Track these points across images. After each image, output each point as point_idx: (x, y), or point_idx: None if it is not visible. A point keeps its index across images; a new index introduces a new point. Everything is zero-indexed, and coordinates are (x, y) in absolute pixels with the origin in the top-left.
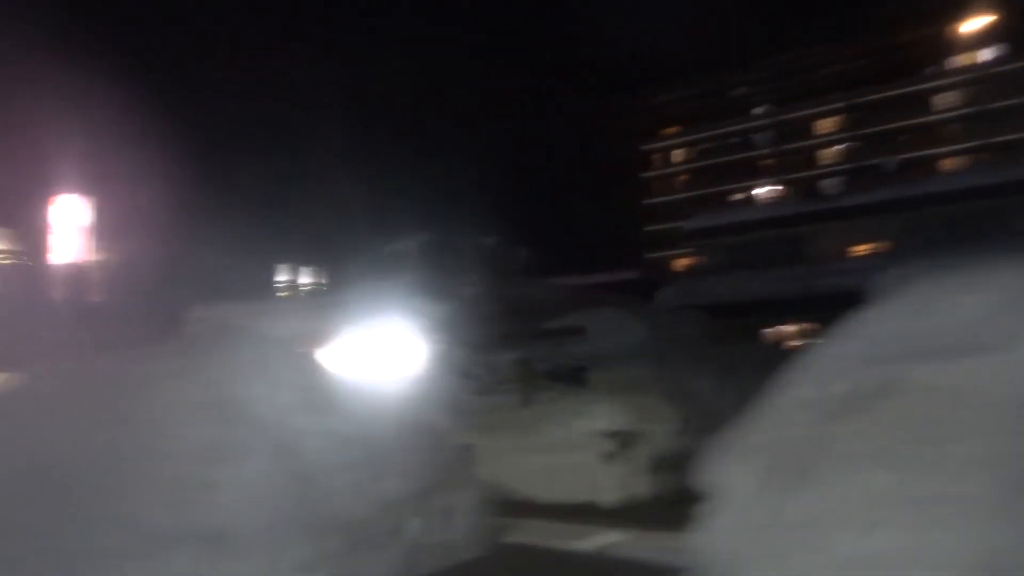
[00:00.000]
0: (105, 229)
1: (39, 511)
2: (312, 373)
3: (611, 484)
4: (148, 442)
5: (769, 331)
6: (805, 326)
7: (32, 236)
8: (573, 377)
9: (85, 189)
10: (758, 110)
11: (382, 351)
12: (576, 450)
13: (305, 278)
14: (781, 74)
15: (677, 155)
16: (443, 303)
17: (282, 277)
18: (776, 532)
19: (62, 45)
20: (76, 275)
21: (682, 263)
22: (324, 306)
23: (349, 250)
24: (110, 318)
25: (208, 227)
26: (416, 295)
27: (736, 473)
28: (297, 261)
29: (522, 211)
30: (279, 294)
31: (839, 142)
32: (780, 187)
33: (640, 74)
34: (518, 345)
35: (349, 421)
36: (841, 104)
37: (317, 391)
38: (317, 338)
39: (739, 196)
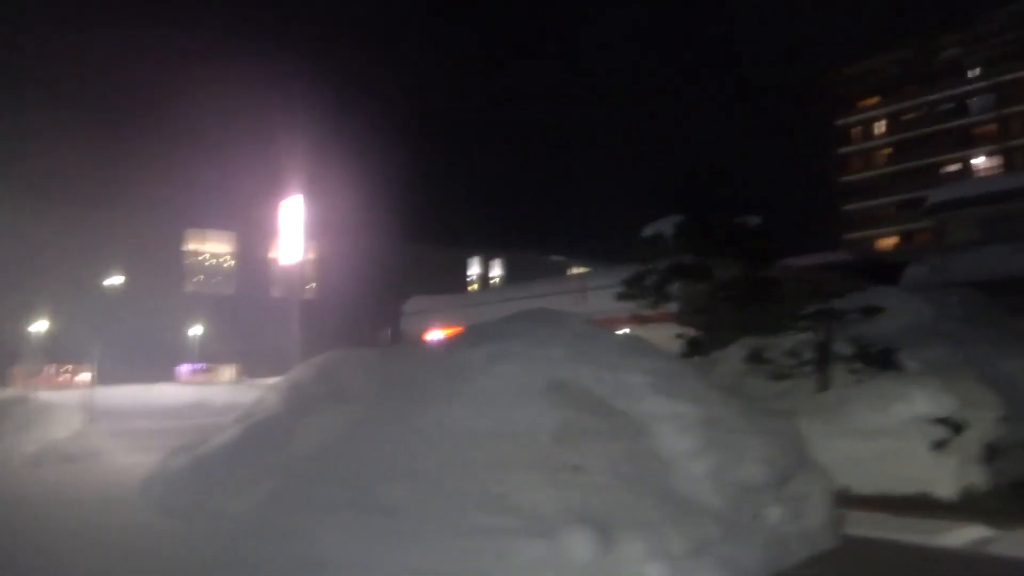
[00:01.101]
0: (321, 228)
1: (418, 491)
2: (644, 354)
3: (946, 475)
4: (500, 424)
5: None
6: None
7: (254, 237)
8: (882, 359)
9: (305, 190)
10: (974, 72)
11: (658, 336)
12: (897, 437)
13: (495, 270)
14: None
15: (880, 127)
16: (705, 287)
17: (473, 270)
18: None
19: (277, 54)
20: (301, 272)
21: (888, 241)
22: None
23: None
24: (336, 312)
25: (411, 223)
26: (676, 279)
27: None
28: (489, 254)
29: (711, 193)
30: (470, 286)
31: None
32: (1003, 156)
33: (834, 40)
34: (809, 327)
35: (695, 403)
36: None
37: (656, 372)
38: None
39: (955, 168)
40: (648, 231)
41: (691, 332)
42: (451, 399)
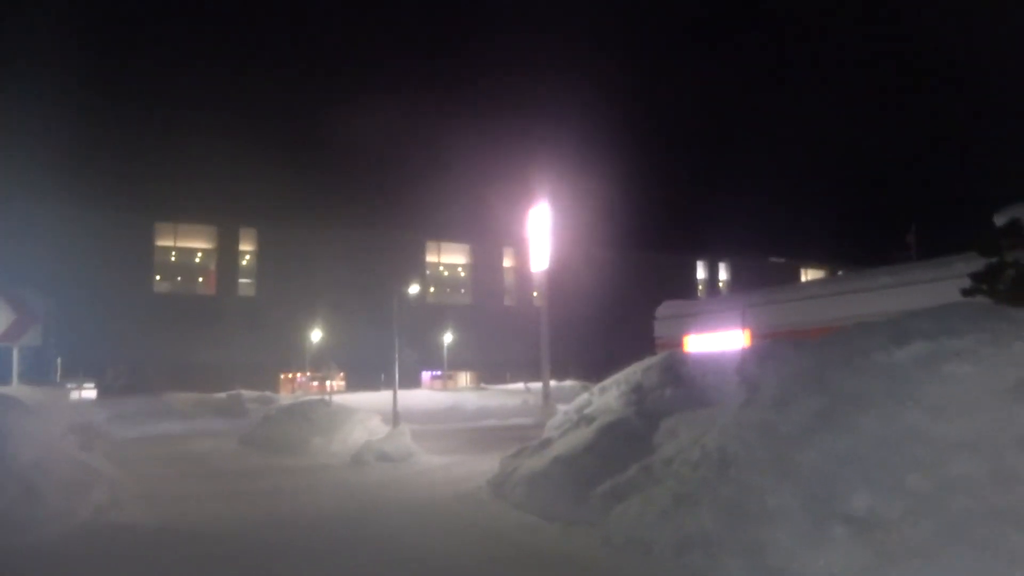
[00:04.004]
0: (554, 236)
1: (896, 502)
2: None
3: None
4: (976, 431)
5: None
6: None
7: (488, 247)
8: None
9: (545, 199)
10: None
11: None
12: None
13: (723, 274)
14: None
15: None
16: None
17: (700, 275)
18: None
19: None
20: (548, 280)
21: None
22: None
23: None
24: (572, 319)
25: (637, 229)
26: None
27: None
28: (713, 258)
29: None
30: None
31: None
32: None
33: None
34: None
35: None
36: None
37: None
38: None
39: None
40: (1000, 219)
41: None
42: (891, 402)
